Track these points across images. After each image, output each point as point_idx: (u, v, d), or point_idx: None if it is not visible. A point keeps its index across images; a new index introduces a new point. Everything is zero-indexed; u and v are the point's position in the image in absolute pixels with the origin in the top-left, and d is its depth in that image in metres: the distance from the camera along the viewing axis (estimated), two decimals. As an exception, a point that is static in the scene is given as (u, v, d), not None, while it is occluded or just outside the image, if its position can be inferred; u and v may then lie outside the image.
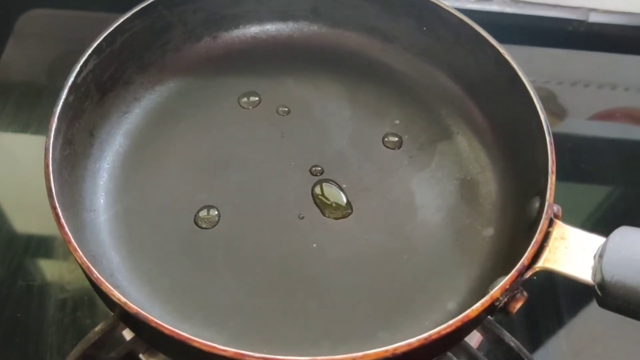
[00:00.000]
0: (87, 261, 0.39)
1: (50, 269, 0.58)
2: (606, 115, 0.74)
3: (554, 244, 0.40)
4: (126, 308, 0.37)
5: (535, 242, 0.39)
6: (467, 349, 0.47)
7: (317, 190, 0.50)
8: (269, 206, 0.49)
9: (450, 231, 0.48)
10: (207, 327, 0.43)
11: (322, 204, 0.49)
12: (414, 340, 0.36)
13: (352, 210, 0.49)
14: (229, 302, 0.45)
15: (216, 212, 0.48)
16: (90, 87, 0.49)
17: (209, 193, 0.50)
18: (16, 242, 0.60)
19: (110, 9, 0.62)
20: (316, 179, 0.51)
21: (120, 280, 0.45)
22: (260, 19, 0.58)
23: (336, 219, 0.49)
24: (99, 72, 0.50)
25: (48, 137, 0.44)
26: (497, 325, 0.46)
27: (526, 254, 0.39)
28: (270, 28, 0.58)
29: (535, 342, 0.56)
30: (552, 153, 0.43)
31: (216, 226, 0.48)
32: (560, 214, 0.42)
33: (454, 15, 0.52)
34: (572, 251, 0.40)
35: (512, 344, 0.45)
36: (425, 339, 0.36)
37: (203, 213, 0.48)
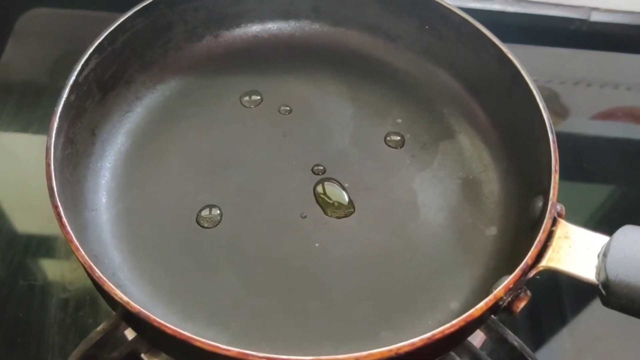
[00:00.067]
0: (89, 260, 0.39)
1: (51, 269, 0.58)
2: (608, 115, 0.74)
3: (557, 243, 0.40)
4: (128, 307, 0.37)
5: (539, 241, 0.39)
6: (470, 349, 0.47)
7: (319, 189, 0.50)
8: (271, 205, 0.49)
9: (453, 230, 0.48)
10: (209, 327, 0.43)
11: (324, 203, 0.49)
12: (417, 340, 0.35)
13: (354, 209, 0.49)
14: (231, 302, 0.45)
15: (218, 212, 0.48)
16: (92, 86, 0.49)
17: (211, 192, 0.49)
18: (17, 242, 0.60)
19: (111, 8, 0.62)
20: (318, 178, 0.51)
21: (122, 280, 0.44)
22: (261, 18, 0.58)
23: (338, 218, 0.49)
24: (101, 71, 0.50)
25: (49, 136, 0.44)
26: (501, 324, 0.46)
27: (530, 253, 0.39)
28: (272, 27, 0.58)
29: (538, 341, 0.56)
30: (555, 152, 0.43)
31: (218, 225, 0.48)
32: (563, 213, 0.42)
33: (457, 13, 0.51)
34: (575, 250, 0.39)
35: (516, 344, 0.45)
36: (429, 338, 0.36)
37: (205, 212, 0.48)
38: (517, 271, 0.38)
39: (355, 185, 0.50)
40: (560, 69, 0.77)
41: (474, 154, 0.52)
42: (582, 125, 0.73)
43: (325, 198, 0.50)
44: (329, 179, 0.51)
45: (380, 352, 0.35)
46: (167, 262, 0.46)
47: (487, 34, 0.50)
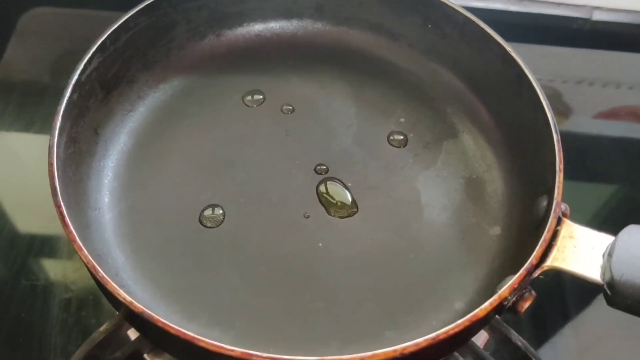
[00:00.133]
0: (92, 260, 0.38)
1: (54, 269, 0.58)
2: (611, 114, 0.74)
3: (562, 242, 0.40)
4: (132, 307, 0.37)
5: (544, 240, 0.39)
6: (473, 349, 0.47)
7: (322, 188, 0.50)
8: (274, 205, 0.49)
9: (457, 230, 0.48)
10: (212, 327, 0.43)
11: (327, 203, 0.49)
12: (422, 340, 0.35)
13: (357, 209, 0.49)
14: (234, 302, 0.45)
15: (221, 211, 0.48)
16: (95, 85, 0.49)
17: (214, 192, 0.49)
18: (19, 241, 0.60)
19: (112, 7, 0.62)
20: (321, 177, 0.51)
21: (125, 280, 0.44)
22: (264, 17, 0.58)
23: (341, 217, 0.49)
24: (103, 70, 0.50)
25: (52, 135, 0.44)
26: (505, 324, 0.46)
27: (534, 253, 0.39)
28: (275, 26, 0.58)
29: (541, 340, 0.56)
30: (559, 151, 0.43)
31: (221, 225, 0.48)
32: (568, 212, 0.42)
33: (460, 12, 0.51)
34: (580, 250, 0.39)
35: (520, 344, 0.44)
36: (433, 338, 0.35)
37: (208, 212, 0.48)
38: (522, 271, 0.38)
39: (358, 185, 0.50)
40: (563, 68, 0.76)
41: (478, 153, 0.52)
42: (585, 124, 0.73)
43: (328, 198, 0.49)
44: (331, 179, 0.50)
45: (384, 353, 0.35)
46: (169, 261, 0.46)
47: (491, 33, 0.50)
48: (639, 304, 0.37)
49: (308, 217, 0.48)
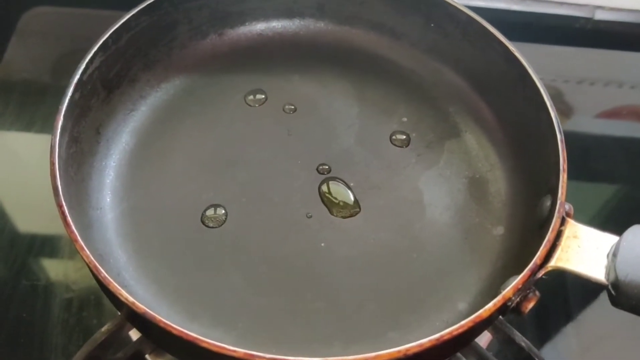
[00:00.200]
0: (94, 260, 0.38)
1: (55, 269, 0.58)
2: (612, 114, 0.74)
3: (566, 242, 0.40)
4: (134, 308, 0.36)
5: (548, 240, 0.39)
6: (476, 349, 0.47)
7: (325, 188, 0.50)
8: (276, 205, 0.49)
9: (460, 230, 0.48)
10: (215, 327, 0.43)
11: (329, 203, 0.49)
12: (425, 341, 0.35)
13: (360, 208, 0.49)
14: (237, 302, 0.44)
15: (223, 211, 0.48)
16: (97, 84, 0.49)
17: (215, 191, 0.49)
18: (20, 241, 0.60)
19: (113, 6, 0.61)
20: (323, 177, 0.50)
21: (127, 280, 0.44)
22: (266, 16, 0.57)
23: (344, 217, 0.48)
24: (105, 70, 0.49)
25: (54, 134, 0.43)
26: (508, 325, 0.45)
27: (538, 253, 0.39)
28: (277, 25, 0.58)
29: (544, 340, 0.56)
30: (563, 151, 0.43)
31: (223, 225, 0.48)
32: (572, 212, 0.41)
33: (463, 11, 0.51)
34: (584, 250, 0.39)
35: (523, 344, 0.44)
36: (437, 339, 0.35)
37: (210, 212, 0.48)
38: (526, 271, 0.38)
39: (360, 185, 0.50)
40: (564, 68, 0.76)
41: (481, 152, 0.52)
42: (586, 124, 0.72)
43: (331, 197, 0.49)
44: (334, 178, 0.50)
45: (388, 353, 0.35)
46: (172, 261, 0.46)
47: (494, 32, 0.50)
48: (644, 304, 0.37)
49: (310, 217, 0.48)
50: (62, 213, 0.40)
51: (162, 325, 0.36)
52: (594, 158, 0.69)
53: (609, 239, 0.39)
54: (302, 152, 0.51)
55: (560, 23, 0.78)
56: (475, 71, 0.53)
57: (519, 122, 0.50)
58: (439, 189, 0.50)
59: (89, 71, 0.47)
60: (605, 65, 0.78)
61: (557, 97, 0.73)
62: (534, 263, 0.38)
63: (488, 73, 0.52)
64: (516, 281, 0.38)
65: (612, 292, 0.37)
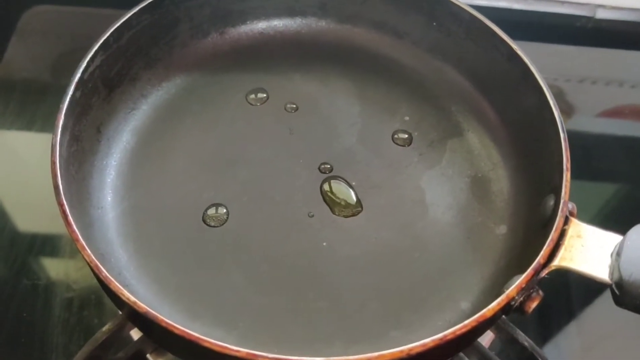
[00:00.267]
0: (95, 260, 0.38)
1: (55, 268, 0.58)
2: (614, 113, 0.73)
3: (569, 242, 0.39)
4: (135, 307, 0.36)
5: (551, 240, 0.39)
6: (479, 349, 0.47)
7: (326, 187, 0.50)
8: (277, 204, 0.49)
9: (462, 229, 0.48)
10: (216, 326, 0.43)
11: (331, 202, 0.49)
12: (429, 341, 0.35)
13: (362, 208, 0.49)
14: (238, 301, 0.44)
15: (225, 210, 0.48)
16: (98, 83, 0.49)
17: (217, 190, 0.49)
18: (21, 240, 0.59)
19: (114, 5, 0.61)
20: (325, 176, 0.50)
21: (128, 279, 0.44)
22: (267, 15, 0.57)
23: (346, 217, 0.48)
24: (106, 68, 0.49)
25: (55, 133, 0.43)
26: (511, 324, 0.45)
27: (542, 252, 0.38)
28: (278, 24, 0.58)
29: (546, 339, 0.56)
30: (566, 150, 0.43)
31: (225, 224, 0.47)
32: (575, 211, 0.41)
33: (466, 10, 0.51)
34: (588, 249, 0.39)
35: (526, 344, 0.44)
36: (441, 339, 0.35)
37: (211, 211, 0.48)
38: (530, 270, 0.38)
39: (362, 184, 0.50)
40: (566, 67, 0.76)
41: (483, 151, 0.52)
42: (588, 123, 0.72)
43: (333, 197, 0.49)
44: (336, 177, 0.50)
45: (391, 353, 0.35)
46: (173, 260, 0.46)
47: (496, 31, 0.50)
48: (648, 304, 0.37)
49: (312, 216, 0.48)
50: (63, 212, 0.40)
51: (163, 324, 0.36)
52: (595, 157, 0.69)
53: (612, 238, 0.39)
54: (304, 151, 0.51)
55: (562, 22, 0.78)
56: (478, 70, 0.53)
57: (521, 120, 0.50)
58: (441, 188, 0.50)
59: (90, 70, 0.47)
60: (607, 64, 0.78)
61: (558, 96, 0.73)
62: (537, 262, 0.38)
63: (490, 72, 0.52)
64: (520, 280, 0.38)
65: (616, 291, 0.37)
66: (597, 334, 0.57)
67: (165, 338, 0.39)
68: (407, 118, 0.53)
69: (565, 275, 0.46)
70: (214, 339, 0.35)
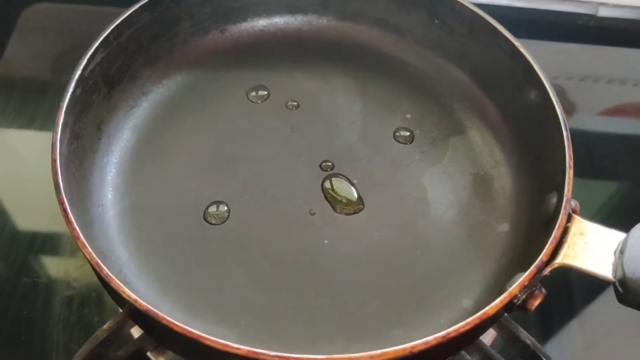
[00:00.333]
0: (96, 257, 0.38)
1: (56, 266, 0.58)
2: (616, 111, 0.73)
3: (572, 239, 0.39)
4: (136, 305, 0.36)
5: (554, 237, 0.39)
6: (481, 347, 0.47)
7: (327, 185, 0.49)
8: (279, 202, 0.49)
9: (464, 227, 0.48)
10: (217, 324, 0.43)
11: (332, 200, 0.49)
12: (432, 339, 0.35)
13: (363, 205, 0.49)
14: (239, 299, 0.44)
15: (226, 208, 0.48)
16: (98, 80, 0.48)
17: (218, 188, 0.49)
18: (21, 239, 0.59)
19: (114, 2, 0.61)
20: (326, 174, 0.50)
21: (129, 277, 0.44)
22: (268, 12, 0.57)
23: (347, 214, 0.48)
24: (107, 66, 0.49)
25: (55, 131, 0.43)
26: (513, 322, 0.45)
27: (545, 250, 0.38)
28: (279, 21, 0.58)
29: (548, 336, 0.56)
30: (569, 148, 0.43)
31: (225, 222, 0.47)
32: (578, 209, 0.41)
33: (468, 7, 0.51)
34: (591, 247, 0.39)
35: (529, 342, 0.44)
36: (444, 337, 0.35)
37: (212, 209, 0.48)
38: (533, 268, 0.38)
39: (364, 182, 0.50)
40: (567, 65, 0.76)
41: (485, 149, 0.51)
42: (589, 121, 0.72)
43: (334, 194, 0.49)
44: (337, 175, 0.50)
45: (394, 351, 0.34)
46: (174, 258, 0.46)
47: (499, 29, 0.49)
48: (651, 302, 0.36)
49: (313, 213, 0.48)
50: (64, 210, 0.40)
51: (164, 322, 0.35)
52: (597, 155, 0.69)
53: (615, 236, 0.39)
54: (305, 148, 0.51)
55: (564, 20, 0.78)
56: (480, 67, 0.53)
57: (523, 118, 0.50)
58: (443, 186, 0.50)
59: (90, 67, 0.47)
60: (609, 62, 0.78)
61: (559, 94, 0.72)
62: (540, 260, 0.38)
63: (493, 69, 0.52)
64: (522, 278, 0.37)
65: (620, 289, 0.37)
66: (600, 332, 0.57)
67: (166, 336, 0.38)
68: (408, 116, 0.53)
69: (567, 273, 0.46)
70: (215, 337, 0.35)
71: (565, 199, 0.40)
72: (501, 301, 0.37)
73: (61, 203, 0.40)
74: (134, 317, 0.41)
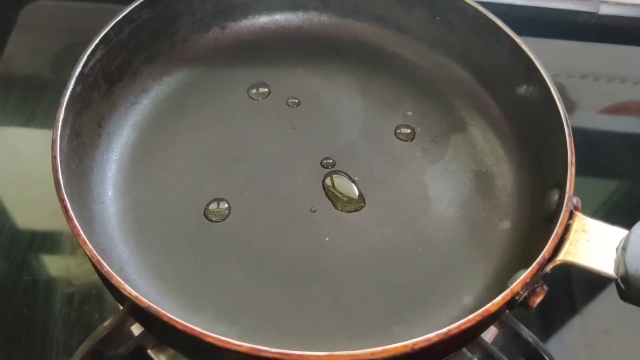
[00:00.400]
0: (96, 255, 0.38)
1: (56, 264, 0.58)
2: (616, 109, 0.73)
3: (574, 236, 0.39)
4: (137, 302, 0.36)
5: (556, 234, 0.39)
6: (482, 344, 0.47)
7: (329, 182, 0.49)
8: (279, 199, 0.48)
9: (465, 224, 0.48)
10: (218, 322, 0.42)
11: (333, 197, 0.49)
12: (433, 335, 0.35)
13: (364, 203, 0.48)
14: (240, 296, 0.44)
15: (226, 205, 0.48)
16: (98, 77, 0.48)
17: (218, 185, 0.49)
18: (21, 237, 0.59)
19: (113, 0, 0.61)
20: (327, 171, 0.50)
21: (129, 274, 0.44)
22: (269, 9, 0.57)
23: (349, 212, 0.48)
24: (107, 62, 0.49)
25: (55, 128, 0.43)
26: (515, 319, 0.45)
27: (547, 247, 0.38)
28: (280, 18, 0.57)
29: (549, 334, 0.56)
30: (571, 145, 0.42)
31: (226, 219, 0.47)
32: (579, 206, 0.41)
33: (469, 4, 0.51)
34: (593, 244, 0.39)
35: (530, 339, 0.44)
36: (445, 333, 0.35)
37: (213, 206, 0.47)
38: (534, 265, 0.38)
39: (365, 179, 0.50)
40: (568, 62, 0.76)
41: (486, 146, 0.51)
42: (590, 119, 0.72)
43: (335, 192, 0.49)
44: (338, 172, 0.50)
45: (395, 348, 0.34)
46: (174, 256, 0.45)
47: (500, 26, 0.49)
48: (654, 299, 0.36)
49: (315, 211, 0.48)
50: (64, 207, 0.40)
51: (165, 319, 0.35)
52: (597, 153, 0.69)
53: (618, 233, 0.39)
54: (306, 145, 0.51)
55: (564, 17, 0.78)
56: (481, 65, 0.53)
57: (525, 115, 0.50)
58: (444, 183, 0.50)
59: (90, 64, 0.47)
60: (609, 60, 0.78)
61: (560, 92, 0.72)
62: (542, 257, 0.38)
63: (494, 66, 0.52)
64: (524, 275, 0.37)
65: (622, 286, 0.37)
66: (601, 329, 0.57)
67: (167, 333, 0.38)
68: (409, 113, 0.53)
69: (569, 270, 0.46)
70: (216, 334, 0.35)
71: (567, 196, 0.40)
72: (503, 298, 0.36)
73: (61, 200, 0.40)
74: (134, 315, 0.41)
